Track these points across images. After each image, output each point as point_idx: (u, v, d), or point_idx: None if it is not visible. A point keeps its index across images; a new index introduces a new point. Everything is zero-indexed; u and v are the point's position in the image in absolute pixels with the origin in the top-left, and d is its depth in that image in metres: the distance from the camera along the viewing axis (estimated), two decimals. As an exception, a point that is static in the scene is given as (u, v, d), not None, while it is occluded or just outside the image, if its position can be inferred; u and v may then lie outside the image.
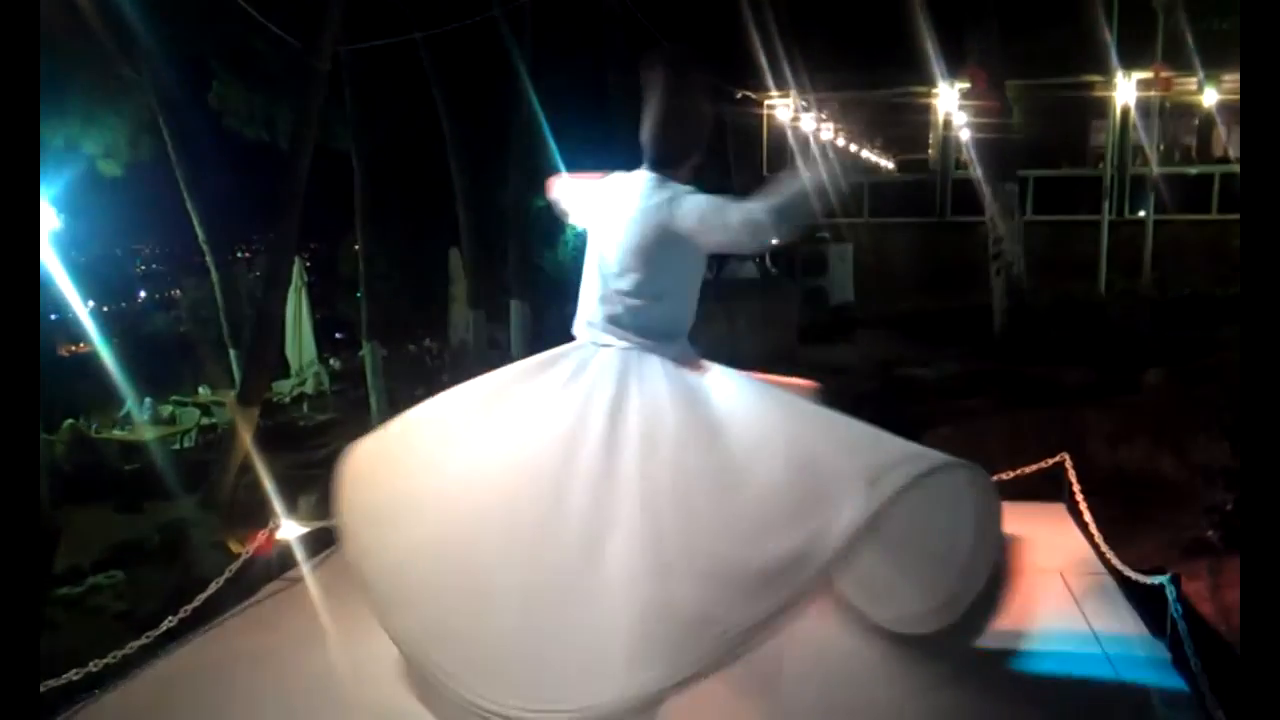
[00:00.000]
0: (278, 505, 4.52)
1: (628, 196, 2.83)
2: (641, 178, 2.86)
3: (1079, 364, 8.79)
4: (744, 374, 2.88)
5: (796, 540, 2.32)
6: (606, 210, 2.88)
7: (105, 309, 21.95)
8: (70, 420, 10.24)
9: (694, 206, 2.73)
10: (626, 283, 2.79)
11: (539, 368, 2.85)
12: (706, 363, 2.88)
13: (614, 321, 2.80)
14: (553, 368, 2.81)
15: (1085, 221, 14.79)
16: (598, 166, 3.06)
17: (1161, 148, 15.65)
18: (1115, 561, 3.82)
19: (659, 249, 2.77)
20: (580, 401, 2.65)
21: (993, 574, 3.94)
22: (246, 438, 7.76)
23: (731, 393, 2.72)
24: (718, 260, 11.95)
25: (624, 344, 2.77)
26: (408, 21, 10.92)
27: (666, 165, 2.85)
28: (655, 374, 2.72)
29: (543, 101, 11.31)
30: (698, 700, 2.28)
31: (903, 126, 17.59)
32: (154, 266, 31.73)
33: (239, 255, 23.30)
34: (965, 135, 11.46)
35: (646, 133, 2.86)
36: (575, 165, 3.25)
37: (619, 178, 2.93)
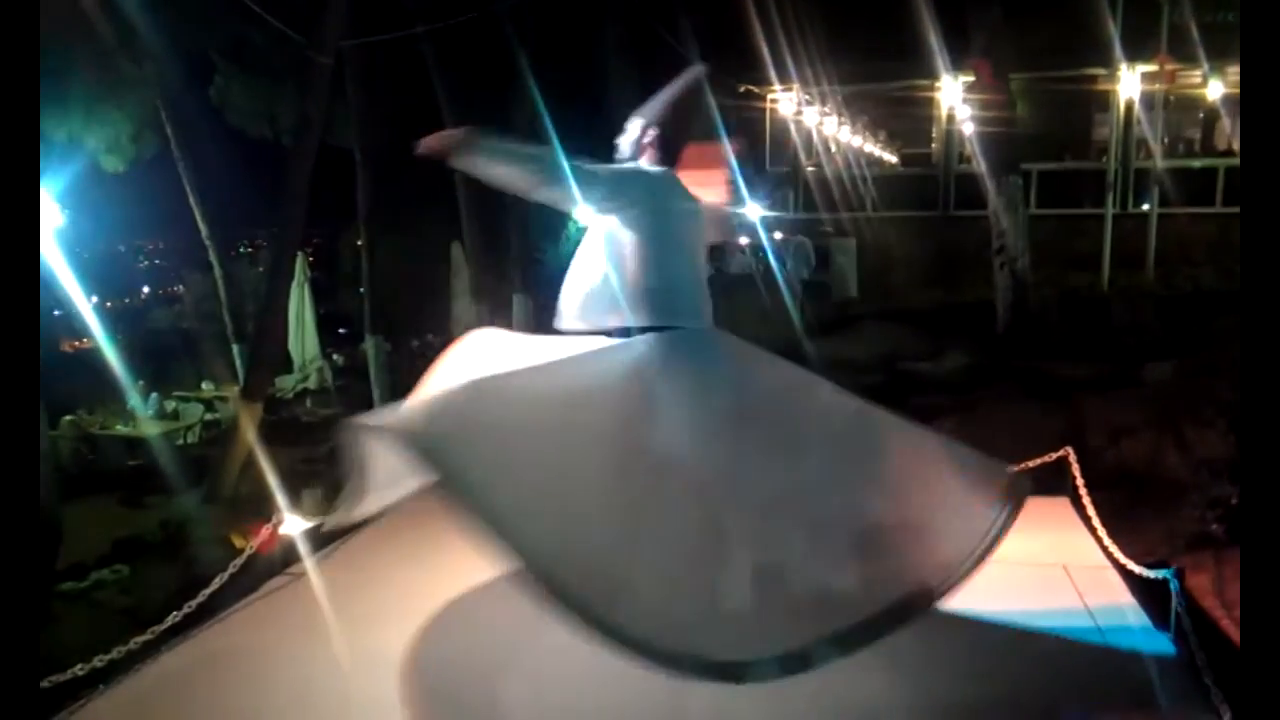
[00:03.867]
0: (281, 500, 4.53)
1: (680, 193, 3.08)
2: (671, 176, 3.10)
3: (1082, 358, 8.77)
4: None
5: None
6: (665, 203, 3.04)
7: (109, 305, 21.96)
8: (73, 416, 10.25)
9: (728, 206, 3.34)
10: (699, 270, 3.13)
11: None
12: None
13: (698, 307, 3.09)
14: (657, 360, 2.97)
15: (1089, 215, 14.74)
16: (598, 162, 3.08)
17: (1165, 141, 15.57)
18: (1119, 555, 3.82)
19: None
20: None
21: (996, 567, 3.93)
22: (250, 433, 7.75)
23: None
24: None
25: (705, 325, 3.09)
26: (410, 16, 10.90)
27: (675, 167, 3.13)
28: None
29: (544, 96, 11.26)
30: (698, 699, 2.28)
31: (906, 120, 17.53)
32: (157, 262, 31.73)
33: (242, 250, 23.30)
34: (968, 129, 11.42)
35: (680, 137, 3.10)
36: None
37: (652, 173, 3.09)
